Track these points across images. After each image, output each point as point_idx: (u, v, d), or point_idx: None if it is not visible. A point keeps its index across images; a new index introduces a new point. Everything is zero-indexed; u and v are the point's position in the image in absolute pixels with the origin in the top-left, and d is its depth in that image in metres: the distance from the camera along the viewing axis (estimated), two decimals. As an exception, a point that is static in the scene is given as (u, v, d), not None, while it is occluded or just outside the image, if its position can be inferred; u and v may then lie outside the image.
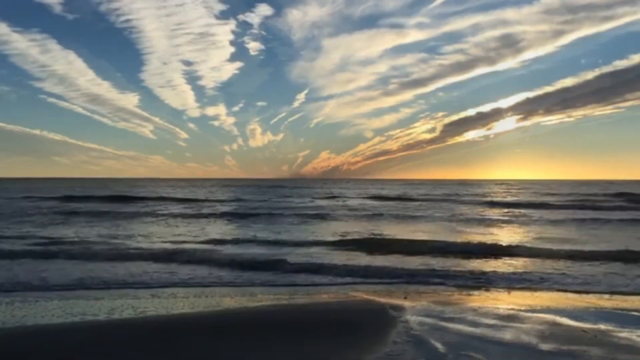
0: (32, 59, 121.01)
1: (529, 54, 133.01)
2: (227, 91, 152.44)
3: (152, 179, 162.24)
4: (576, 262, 10.49)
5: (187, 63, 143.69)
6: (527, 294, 7.83)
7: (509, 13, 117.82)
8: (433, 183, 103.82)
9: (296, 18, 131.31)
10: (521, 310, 6.39)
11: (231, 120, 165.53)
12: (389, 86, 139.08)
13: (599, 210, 26.91)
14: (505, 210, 28.07)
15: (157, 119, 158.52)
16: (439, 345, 4.78)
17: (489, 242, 13.75)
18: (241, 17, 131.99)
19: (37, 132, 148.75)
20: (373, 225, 19.39)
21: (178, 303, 6.93)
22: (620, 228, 18.14)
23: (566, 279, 8.79)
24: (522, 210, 26.99)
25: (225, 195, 46.75)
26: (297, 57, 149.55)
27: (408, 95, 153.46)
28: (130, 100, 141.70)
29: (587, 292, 7.85)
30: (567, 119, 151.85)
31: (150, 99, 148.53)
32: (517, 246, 12.88)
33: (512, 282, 8.67)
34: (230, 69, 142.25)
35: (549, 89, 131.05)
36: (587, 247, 12.53)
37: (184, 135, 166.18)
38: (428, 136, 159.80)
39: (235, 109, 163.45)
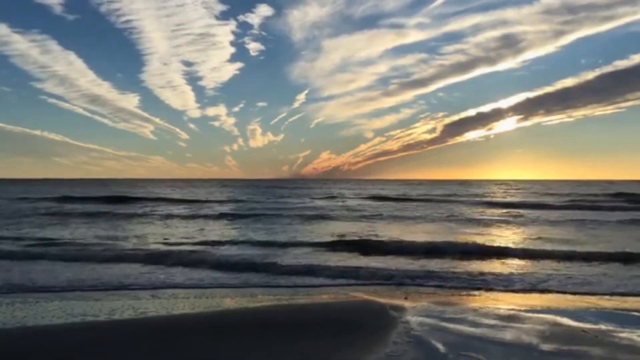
0: (33, 59, 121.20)
1: (529, 54, 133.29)
2: (228, 91, 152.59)
3: (152, 180, 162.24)
4: (576, 263, 10.48)
5: (188, 64, 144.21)
6: (527, 294, 7.84)
7: (509, 13, 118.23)
8: (433, 183, 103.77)
9: (296, 18, 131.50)
10: (521, 311, 6.39)
11: (231, 120, 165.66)
12: (390, 86, 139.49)
13: (599, 210, 26.90)
14: (505, 210, 28.04)
15: (157, 120, 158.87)
16: (439, 346, 4.78)
17: (489, 243, 13.76)
18: (241, 17, 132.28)
19: (37, 132, 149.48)
20: (370, 225, 19.39)
21: (179, 304, 6.93)
22: (620, 228, 18.13)
23: (566, 280, 8.77)
24: (522, 211, 26.96)
25: (223, 195, 46.77)
26: (297, 57, 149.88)
27: (408, 95, 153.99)
28: (131, 100, 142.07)
29: (587, 293, 7.84)
30: (567, 119, 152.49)
31: (150, 100, 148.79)
32: (516, 247, 12.88)
33: (512, 282, 8.64)
34: (231, 70, 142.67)
35: (549, 89, 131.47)
36: (587, 248, 12.53)
37: (184, 135, 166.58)
38: (428, 136, 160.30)
39: (236, 109, 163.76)
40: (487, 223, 20.42)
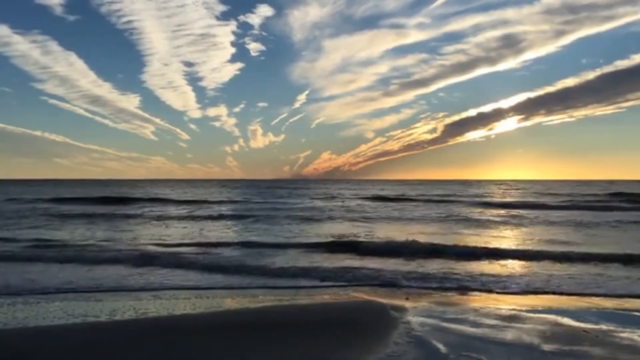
0: (33, 60, 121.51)
1: (530, 54, 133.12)
2: (228, 92, 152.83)
3: (153, 180, 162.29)
4: (576, 264, 10.44)
5: (188, 64, 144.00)
6: (527, 295, 7.82)
7: (510, 13, 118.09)
8: (434, 183, 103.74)
9: (297, 19, 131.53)
10: (522, 311, 6.39)
11: (232, 121, 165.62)
12: (390, 87, 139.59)
13: (599, 210, 26.85)
14: (505, 211, 28.00)
15: (158, 120, 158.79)
16: (440, 346, 4.78)
17: (488, 243, 13.75)
18: (242, 18, 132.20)
19: (38, 133, 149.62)
20: (369, 226, 19.37)
21: (179, 304, 6.92)
22: (620, 229, 18.12)
23: (566, 280, 8.76)
24: (522, 211, 26.94)
25: (222, 196, 46.77)
26: (297, 57, 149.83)
27: (409, 95, 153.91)
28: (131, 101, 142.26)
29: (588, 294, 7.83)
30: (568, 119, 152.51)
31: (151, 100, 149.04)
32: (516, 247, 12.89)
33: (512, 283, 8.62)
34: (231, 70, 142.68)
35: (550, 89, 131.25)
36: (587, 249, 12.51)
37: (185, 136, 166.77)
38: (429, 137, 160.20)
39: (236, 109, 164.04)
40: (487, 223, 20.41)
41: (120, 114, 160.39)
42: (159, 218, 23.29)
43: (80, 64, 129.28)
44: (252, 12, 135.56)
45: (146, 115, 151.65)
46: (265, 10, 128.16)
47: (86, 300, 7.21)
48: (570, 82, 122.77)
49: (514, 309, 6.52)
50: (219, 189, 71.05)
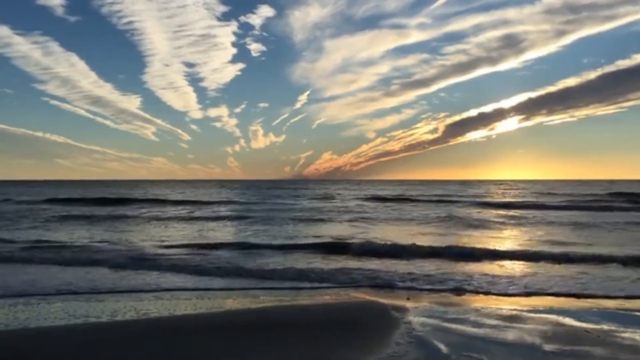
0: (34, 61, 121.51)
1: (531, 54, 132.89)
2: (229, 92, 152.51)
3: (154, 181, 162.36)
4: (576, 264, 10.42)
5: (189, 65, 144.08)
6: (527, 295, 7.80)
7: (511, 13, 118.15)
8: (435, 184, 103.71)
9: (298, 19, 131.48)
10: (523, 311, 6.38)
11: (233, 121, 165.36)
12: (391, 87, 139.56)
13: (599, 210, 26.81)
14: (505, 211, 27.94)
15: (159, 121, 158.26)
16: (441, 346, 4.78)
17: (487, 244, 13.74)
18: (243, 18, 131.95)
19: (39, 134, 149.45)
20: (367, 227, 19.34)
21: (180, 305, 6.93)
22: (620, 229, 18.09)
23: (566, 281, 8.74)
24: (522, 211, 26.93)
25: (221, 196, 46.80)
26: (298, 58, 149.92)
27: (410, 95, 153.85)
28: (133, 102, 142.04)
29: (588, 294, 7.81)
30: (569, 119, 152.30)
31: (152, 101, 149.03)
32: (516, 248, 12.87)
33: (512, 283, 8.60)
34: (232, 71, 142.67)
35: (551, 89, 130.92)
36: (587, 249, 12.50)
37: (186, 136, 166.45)
38: (430, 137, 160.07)
39: (237, 110, 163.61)
40: (487, 224, 20.40)
41: (122, 114, 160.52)
42: (158, 219, 23.29)
43: (81, 65, 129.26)
44: (253, 13, 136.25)
45: (147, 115, 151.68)
46: (266, 11, 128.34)
47: (87, 301, 7.21)
48: (571, 81, 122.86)
49: (514, 309, 6.51)
50: (219, 189, 71.08)
